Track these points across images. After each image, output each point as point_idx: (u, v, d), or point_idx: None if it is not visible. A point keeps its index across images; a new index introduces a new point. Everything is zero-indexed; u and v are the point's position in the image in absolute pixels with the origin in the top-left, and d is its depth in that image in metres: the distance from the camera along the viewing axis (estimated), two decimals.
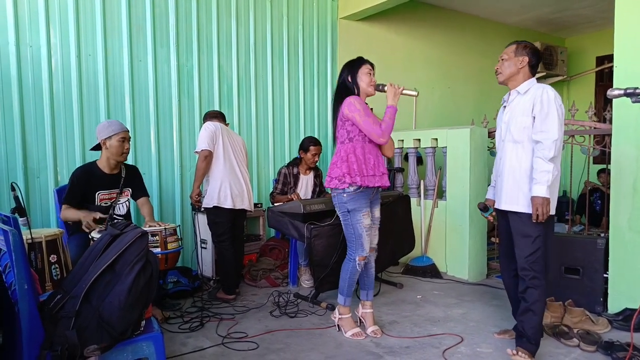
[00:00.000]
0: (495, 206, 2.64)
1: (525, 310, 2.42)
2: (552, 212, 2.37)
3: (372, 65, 2.74)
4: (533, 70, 2.51)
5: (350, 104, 2.60)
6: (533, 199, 2.31)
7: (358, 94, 2.70)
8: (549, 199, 2.30)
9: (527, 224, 2.38)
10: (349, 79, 2.71)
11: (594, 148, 3.94)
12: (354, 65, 2.72)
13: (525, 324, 2.43)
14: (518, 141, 2.43)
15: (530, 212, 2.34)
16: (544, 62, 6.29)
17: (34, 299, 1.61)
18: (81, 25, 3.56)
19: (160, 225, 2.84)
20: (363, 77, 2.69)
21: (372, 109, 2.87)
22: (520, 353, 2.39)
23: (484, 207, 2.75)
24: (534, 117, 2.36)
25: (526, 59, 2.46)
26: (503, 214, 2.57)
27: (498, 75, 2.55)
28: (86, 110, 3.60)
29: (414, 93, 2.77)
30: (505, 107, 2.57)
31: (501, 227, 2.66)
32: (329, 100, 5.02)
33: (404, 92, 2.72)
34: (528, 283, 2.39)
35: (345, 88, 2.71)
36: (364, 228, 2.64)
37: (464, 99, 6.20)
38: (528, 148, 2.40)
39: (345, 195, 2.64)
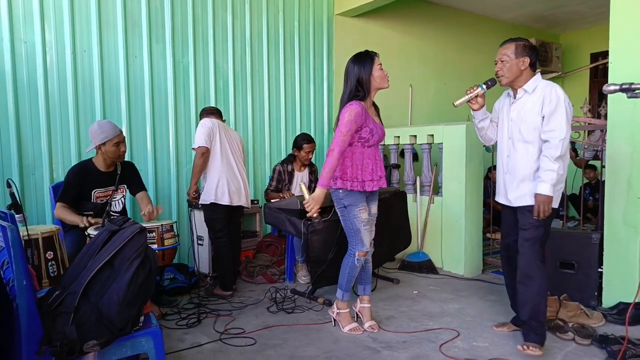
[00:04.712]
0: (502, 202, 2.64)
1: (525, 302, 2.45)
2: (556, 205, 2.40)
3: (377, 55, 2.68)
4: (534, 68, 2.50)
5: (343, 114, 2.58)
6: (536, 196, 2.35)
7: (368, 94, 2.65)
8: (552, 198, 2.34)
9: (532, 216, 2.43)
10: (363, 78, 2.62)
11: (586, 147, 3.97)
12: (366, 64, 2.62)
13: (527, 316, 2.44)
14: (529, 141, 2.44)
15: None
16: (538, 58, 6.32)
17: (32, 294, 1.61)
18: (76, 21, 3.54)
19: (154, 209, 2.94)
20: (377, 75, 2.63)
21: (377, 108, 2.82)
22: (531, 347, 2.39)
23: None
24: (543, 117, 2.37)
25: (527, 59, 2.44)
26: (511, 210, 2.58)
27: (500, 79, 2.52)
28: (81, 107, 3.58)
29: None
30: (512, 102, 2.55)
31: (506, 223, 2.68)
32: (325, 96, 5.03)
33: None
34: (528, 269, 2.41)
35: (355, 88, 2.63)
36: (361, 223, 2.65)
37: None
38: (539, 147, 2.42)
39: (340, 192, 2.66)
